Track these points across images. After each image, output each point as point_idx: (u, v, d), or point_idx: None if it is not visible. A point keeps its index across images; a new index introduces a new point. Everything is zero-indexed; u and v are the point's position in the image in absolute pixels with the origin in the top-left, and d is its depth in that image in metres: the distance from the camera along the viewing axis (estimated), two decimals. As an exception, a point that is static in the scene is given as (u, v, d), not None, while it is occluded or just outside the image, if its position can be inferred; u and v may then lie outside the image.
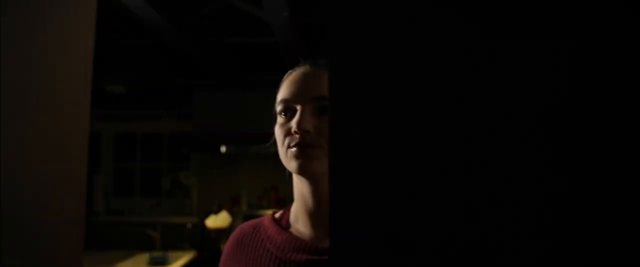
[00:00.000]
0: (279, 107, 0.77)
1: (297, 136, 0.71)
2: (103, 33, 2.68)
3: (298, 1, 2.25)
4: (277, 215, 0.84)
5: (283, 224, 0.81)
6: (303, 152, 0.71)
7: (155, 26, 2.25)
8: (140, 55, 3.21)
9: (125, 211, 5.08)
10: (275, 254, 0.75)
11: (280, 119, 0.76)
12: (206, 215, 4.49)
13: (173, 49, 3.04)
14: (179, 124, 5.11)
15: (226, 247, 0.84)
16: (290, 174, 0.79)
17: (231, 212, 4.30)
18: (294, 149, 0.72)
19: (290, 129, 0.73)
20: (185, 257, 3.72)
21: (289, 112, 0.75)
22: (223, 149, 3.97)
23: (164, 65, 3.59)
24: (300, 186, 0.77)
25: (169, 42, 2.66)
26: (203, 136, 4.14)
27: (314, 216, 0.76)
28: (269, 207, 4.28)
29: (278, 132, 0.76)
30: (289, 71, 0.81)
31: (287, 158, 0.74)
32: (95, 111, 5.05)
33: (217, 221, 4.14)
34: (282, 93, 0.77)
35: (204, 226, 4.29)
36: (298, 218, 0.79)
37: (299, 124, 0.71)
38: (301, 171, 0.72)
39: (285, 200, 4.33)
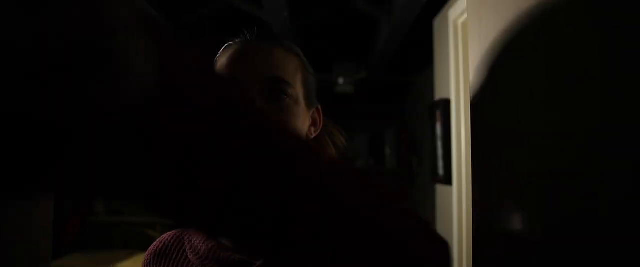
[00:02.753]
0: None
1: None
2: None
3: (298, 1, 2.25)
4: None
5: None
6: None
7: (155, 26, 2.25)
8: (140, 55, 3.20)
9: (125, 211, 5.07)
10: (196, 265, 0.64)
11: None
12: (206, 215, 4.48)
13: (173, 49, 3.03)
14: (179, 124, 5.11)
15: (144, 260, 0.72)
16: None
17: (231, 212, 4.30)
18: None
19: None
20: (185, 257, 3.71)
21: None
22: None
23: (164, 65, 3.59)
24: None
25: (169, 42, 2.66)
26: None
27: None
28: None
29: None
30: (226, 45, 0.66)
31: None
32: (96, 111, 5.05)
33: (217, 221, 4.14)
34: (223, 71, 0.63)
35: (204, 226, 4.28)
36: None
37: None
38: None
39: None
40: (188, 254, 0.66)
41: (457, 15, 2.02)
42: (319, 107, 0.72)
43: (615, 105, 0.39)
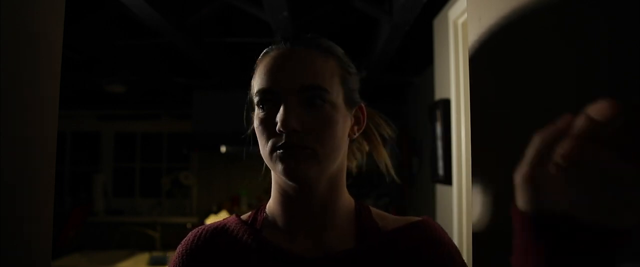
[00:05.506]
0: (257, 98, 0.64)
1: (283, 135, 0.60)
2: (103, 33, 2.68)
3: (298, 1, 2.25)
4: (244, 217, 0.74)
5: (256, 227, 0.70)
6: (291, 155, 0.60)
7: (155, 26, 2.25)
8: (140, 55, 3.21)
9: (125, 211, 5.07)
10: (251, 261, 0.65)
11: (259, 112, 0.64)
12: (206, 215, 4.49)
13: (173, 49, 3.04)
14: (179, 124, 5.11)
15: (177, 255, 0.70)
16: (267, 168, 0.69)
17: (231, 212, 4.29)
18: (279, 152, 0.61)
19: (273, 125, 0.61)
20: (185, 257, 3.70)
21: (269, 104, 0.63)
22: (223, 149, 3.96)
23: (164, 65, 3.59)
24: (284, 185, 0.68)
25: (169, 42, 2.66)
26: (203, 135, 4.13)
27: (298, 218, 0.68)
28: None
29: (259, 128, 0.64)
30: (266, 50, 0.68)
31: (272, 160, 0.62)
32: (95, 111, 5.06)
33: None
34: (261, 81, 0.64)
35: (203, 226, 4.28)
36: (276, 219, 0.70)
37: (284, 122, 0.59)
38: (289, 176, 0.61)
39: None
40: (236, 248, 0.67)
41: (457, 15, 2.02)
42: (363, 104, 0.72)
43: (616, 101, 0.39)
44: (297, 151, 0.60)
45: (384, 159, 0.78)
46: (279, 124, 0.59)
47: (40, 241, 0.58)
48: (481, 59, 0.60)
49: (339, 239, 0.66)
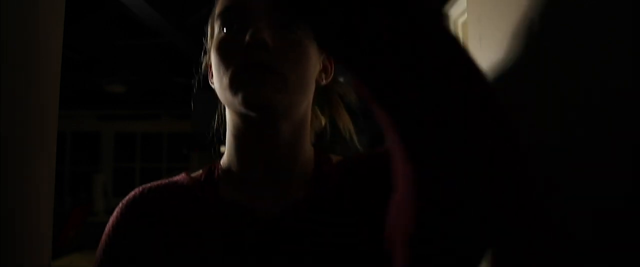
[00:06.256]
0: (219, 20, 0.56)
1: (252, 52, 0.51)
2: (103, 33, 2.68)
3: (298, 1, 2.25)
4: (196, 174, 0.64)
5: (210, 184, 0.61)
6: (257, 78, 0.51)
7: (155, 26, 2.25)
8: (140, 55, 3.21)
9: (125, 210, 5.08)
10: (207, 221, 0.56)
11: (221, 34, 0.55)
12: (206, 215, 4.48)
13: (173, 49, 3.04)
14: (179, 124, 5.11)
15: (119, 213, 0.58)
16: (222, 114, 0.60)
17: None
18: (244, 76, 0.51)
19: (238, 47, 0.51)
20: (185, 257, 3.70)
21: (235, 25, 0.54)
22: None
23: (164, 65, 3.59)
24: (243, 126, 0.57)
25: (169, 42, 2.66)
26: (203, 136, 4.14)
27: (258, 163, 0.58)
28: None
29: (217, 54, 0.54)
30: None
31: (232, 88, 0.52)
32: (95, 111, 5.06)
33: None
34: (225, 1, 0.56)
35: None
36: (233, 171, 0.60)
37: (254, 34, 0.50)
38: (252, 101, 0.51)
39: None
40: (191, 210, 0.58)
41: (457, 15, 2.01)
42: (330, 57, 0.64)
43: (617, 102, 0.39)
44: (266, 76, 0.51)
45: (346, 123, 0.70)
46: (248, 37, 0.50)
47: (40, 241, 0.58)
48: (481, 60, 0.60)
49: (299, 189, 0.58)
